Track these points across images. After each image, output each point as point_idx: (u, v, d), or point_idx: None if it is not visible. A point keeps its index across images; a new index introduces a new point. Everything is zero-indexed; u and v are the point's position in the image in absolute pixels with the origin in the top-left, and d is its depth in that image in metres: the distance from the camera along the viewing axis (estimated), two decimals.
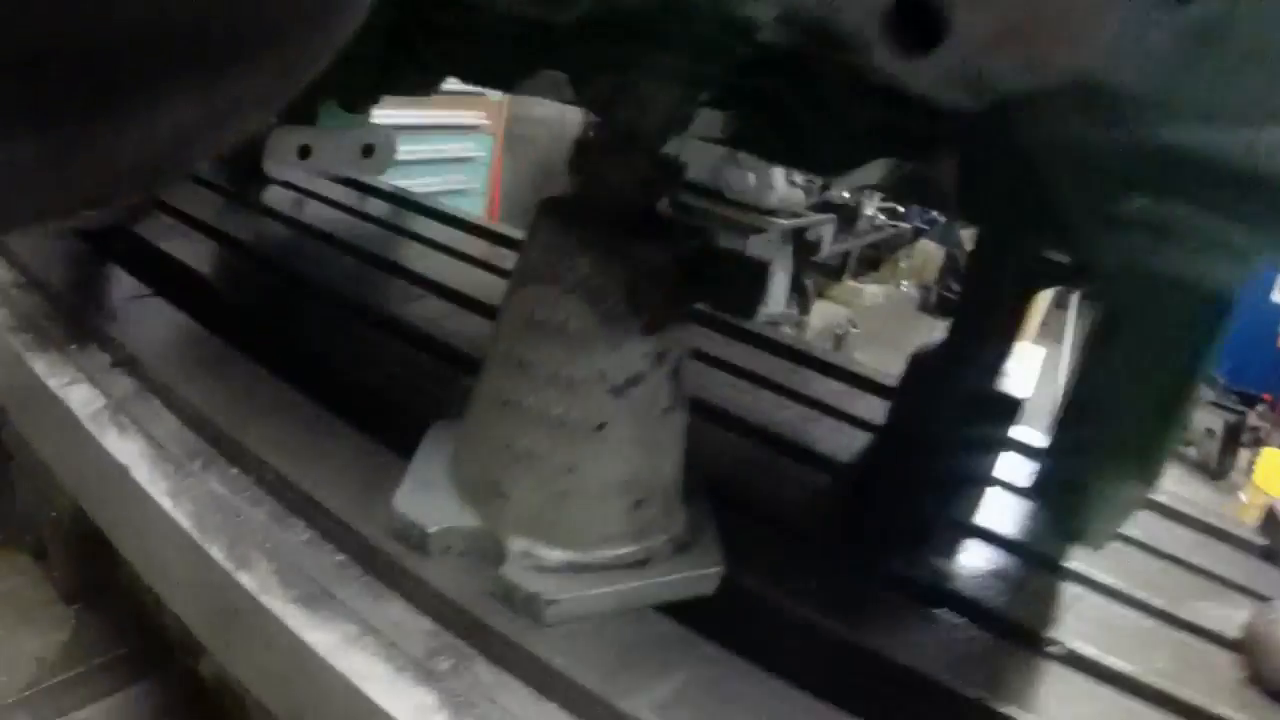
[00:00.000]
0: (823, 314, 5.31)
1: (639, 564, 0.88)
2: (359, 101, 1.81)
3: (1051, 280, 1.20)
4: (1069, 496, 0.87)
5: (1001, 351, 1.24)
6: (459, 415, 1.01)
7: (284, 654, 0.83)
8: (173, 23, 0.36)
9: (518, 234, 2.04)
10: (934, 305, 6.35)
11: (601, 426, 0.83)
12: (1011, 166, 0.90)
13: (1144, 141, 0.55)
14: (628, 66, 0.79)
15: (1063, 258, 1.10)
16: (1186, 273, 0.66)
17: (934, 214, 6.87)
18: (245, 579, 0.87)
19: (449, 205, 2.31)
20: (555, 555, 0.85)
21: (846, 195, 5.58)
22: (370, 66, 1.54)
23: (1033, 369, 1.22)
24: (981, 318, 1.23)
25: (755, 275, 0.87)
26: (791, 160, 1.17)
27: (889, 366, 1.45)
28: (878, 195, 6.02)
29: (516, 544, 0.85)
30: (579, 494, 0.85)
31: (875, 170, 1.12)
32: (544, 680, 0.78)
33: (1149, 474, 0.75)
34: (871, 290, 6.21)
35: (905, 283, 6.75)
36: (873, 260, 6.71)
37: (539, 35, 1.06)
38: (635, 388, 0.83)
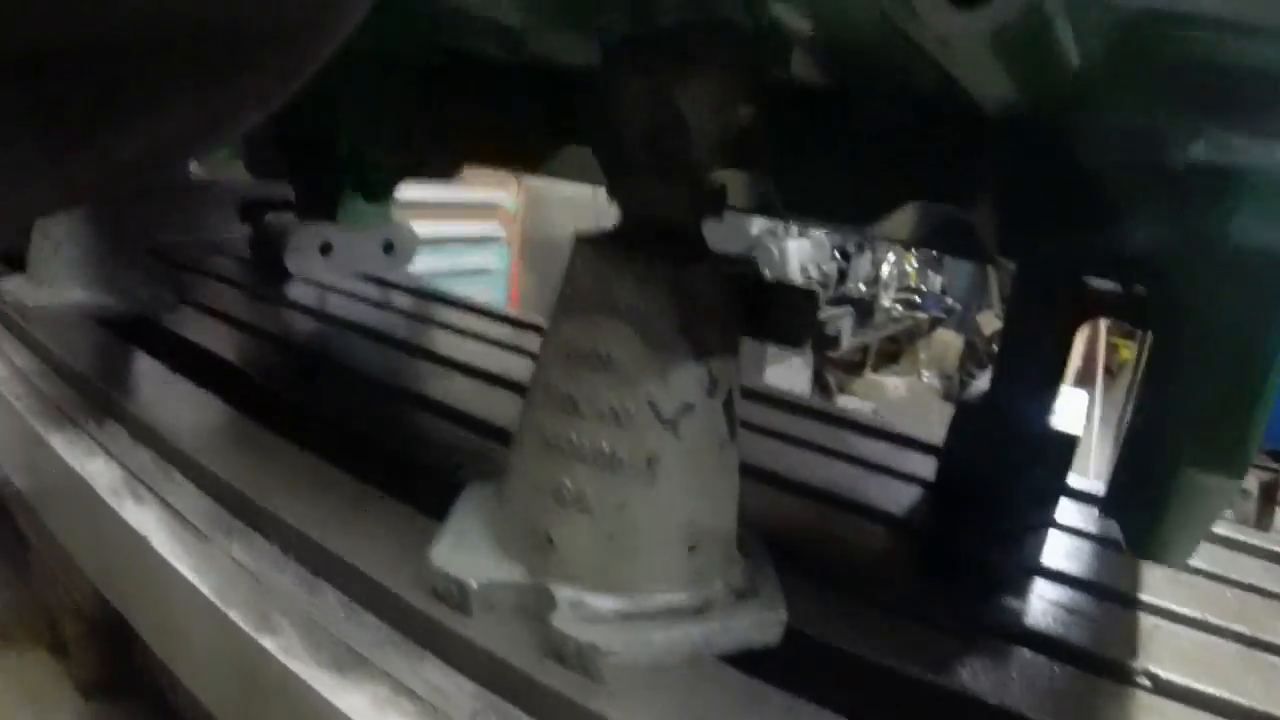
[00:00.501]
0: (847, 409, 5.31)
1: (697, 611, 0.82)
2: (380, 189, 1.80)
3: (1096, 310, 1.19)
4: (1147, 507, 0.83)
5: (1049, 391, 1.23)
6: (494, 479, 0.97)
7: None
8: (175, 24, 0.36)
9: (537, 320, 2.04)
10: (957, 394, 6.32)
11: (653, 462, 0.78)
12: (1058, 176, 0.88)
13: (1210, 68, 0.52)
14: (669, 93, 0.76)
15: (1112, 282, 1.08)
16: (1254, 238, 0.63)
17: (950, 302, 6.90)
18: (270, 643, 0.81)
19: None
20: (608, 604, 0.80)
21: (864, 288, 5.61)
22: (394, 147, 1.54)
23: (1079, 412, 1.20)
24: (1026, 357, 1.22)
25: (806, 304, 0.83)
26: (822, 213, 1.15)
27: None
28: (894, 287, 6.06)
29: (565, 593, 0.80)
30: (631, 536, 0.80)
31: (906, 219, 1.10)
32: None
33: (1237, 462, 0.71)
34: (894, 382, 6.21)
35: (926, 373, 6.73)
36: (892, 353, 6.72)
37: (569, 81, 1.03)
38: (687, 419, 0.78)
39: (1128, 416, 1.45)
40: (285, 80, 0.44)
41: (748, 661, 0.81)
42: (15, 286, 1.67)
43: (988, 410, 1.22)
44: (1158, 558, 0.90)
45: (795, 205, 1.13)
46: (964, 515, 1.19)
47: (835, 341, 4.91)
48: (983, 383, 1.30)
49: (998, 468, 1.17)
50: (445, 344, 1.76)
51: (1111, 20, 0.51)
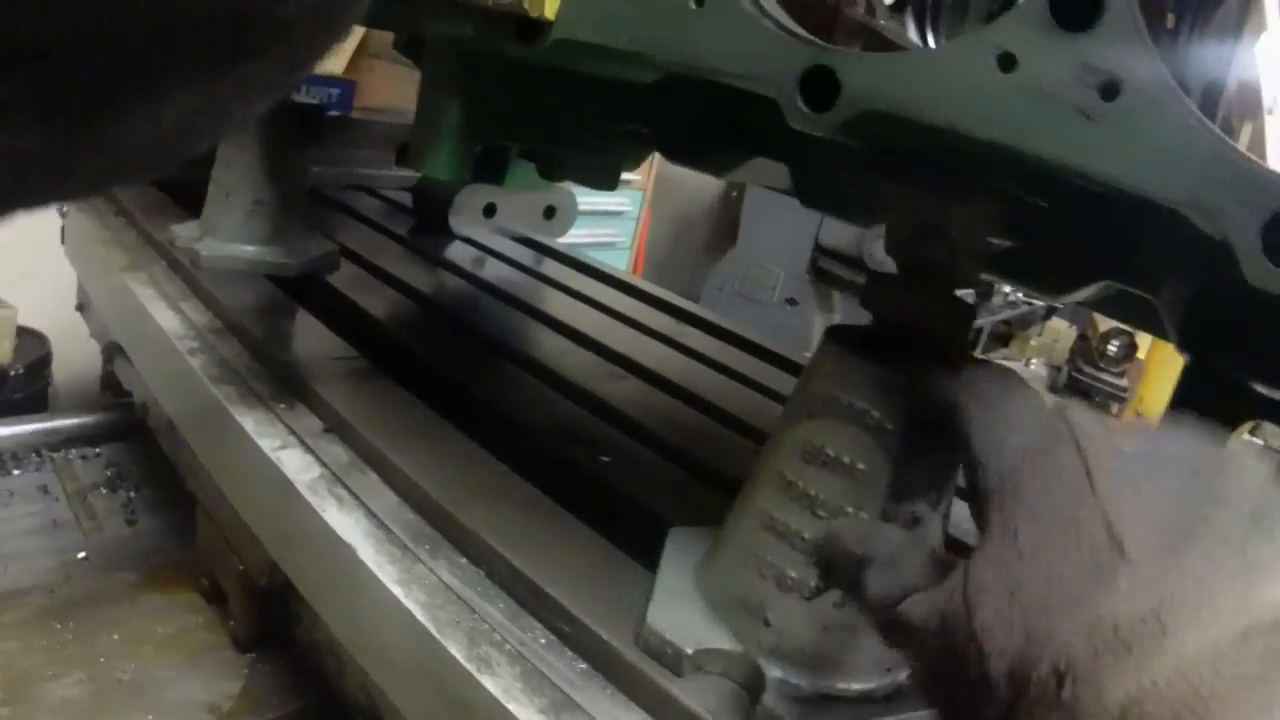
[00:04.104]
0: None
1: (887, 698, 0.86)
2: (558, 174, 1.82)
3: (1259, 414, 1.19)
4: None
5: None
6: (689, 520, 1.02)
7: None
8: (182, 15, 0.36)
9: (711, 316, 2.06)
10: (1062, 386, 6.26)
11: None
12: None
13: None
14: (942, 209, 0.78)
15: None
16: None
17: None
18: (489, 683, 0.86)
19: (598, 259, 2.33)
20: (810, 685, 0.84)
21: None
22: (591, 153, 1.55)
23: None
24: None
25: None
26: (1024, 282, 1.16)
27: None
28: None
29: (773, 671, 0.84)
30: (842, 627, 0.83)
31: (1092, 289, 1.11)
32: None
33: None
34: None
35: (1034, 361, 6.66)
36: (1003, 336, 6.64)
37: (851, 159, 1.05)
38: (913, 530, 0.82)
39: None
40: (292, 69, 0.45)
41: None
42: (187, 232, 1.72)
43: None
44: None
45: (994, 268, 1.15)
46: None
47: None
48: None
49: None
50: (617, 337, 1.79)
51: None
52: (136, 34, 0.35)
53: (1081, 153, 0.63)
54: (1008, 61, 0.65)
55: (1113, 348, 6.13)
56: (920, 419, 0.79)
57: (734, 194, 5.43)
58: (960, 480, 0.70)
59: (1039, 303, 6.40)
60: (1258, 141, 1.12)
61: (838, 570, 0.70)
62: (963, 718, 0.58)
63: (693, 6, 0.78)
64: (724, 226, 5.62)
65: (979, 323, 5.61)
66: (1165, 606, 0.49)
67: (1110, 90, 0.62)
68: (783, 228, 4.82)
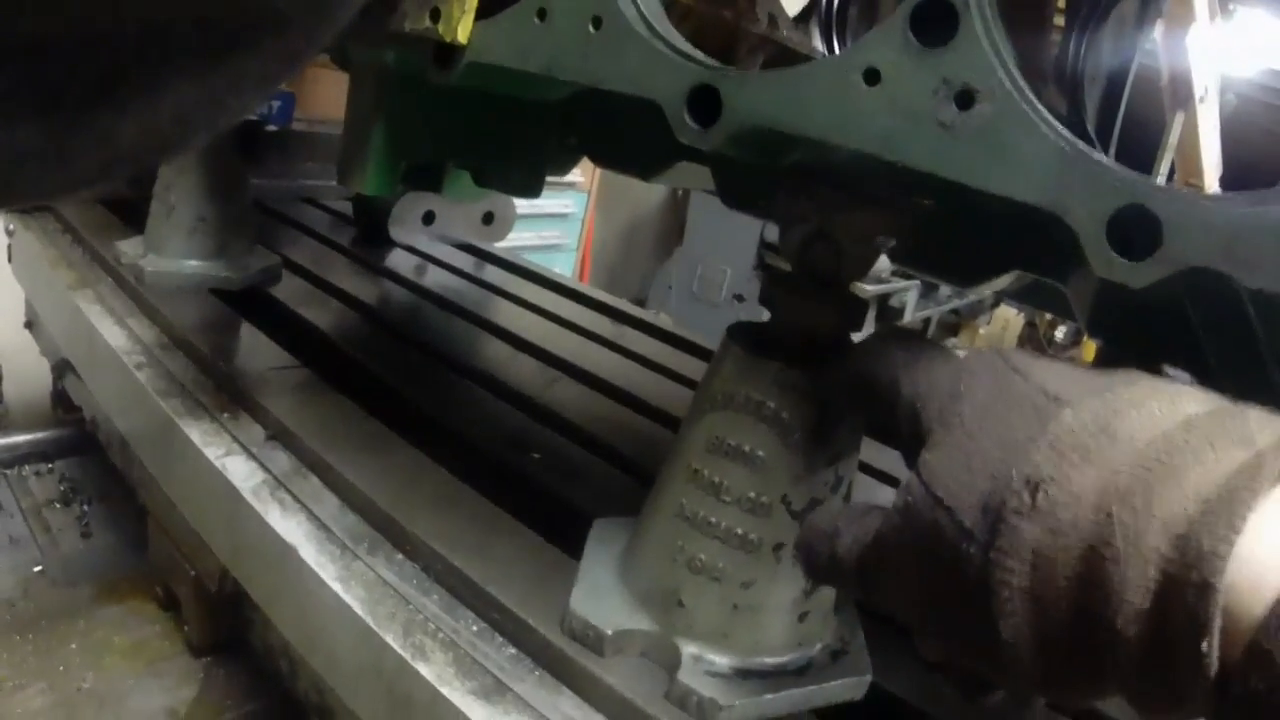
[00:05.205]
0: None
1: (800, 671, 0.92)
2: (493, 184, 1.85)
3: None
4: None
5: None
6: (617, 514, 1.07)
7: None
8: (178, 10, 0.38)
9: (647, 316, 2.12)
10: None
11: (779, 547, 0.87)
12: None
13: None
14: (827, 217, 0.83)
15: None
16: None
17: None
18: (423, 669, 0.91)
19: (544, 262, 2.37)
20: (725, 661, 0.89)
21: None
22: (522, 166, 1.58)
23: None
24: None
25: None
26: (935, 273, 1.20)
27: None
28: None
29: (689, 649, 0.89)
30: (752, 607, 0.89)
31: (1006, 279, 1.16)
32: None
33: None
34: None
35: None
36: (952, 326, 6.65)
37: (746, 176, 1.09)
38: (814, 511, 0.87)
39: None
40: (286, 63, 0.46)
41: (833, 714, 0.92)
42: (132, 249, 1.74)
43: None
44: None
45: (907, 260, 1.19)
46: None
47: (898, 313, 4.92)
48: None
49: None
50: (554, 340, 1.83)
51: None
52: (134, 29, 0.37)
53: (943, 161, 0.68)
54: (872, 76, 0.70)
55: (1060, 334, 6.19)
56: (837, 398, 0.84)
57: (680, 193, 5.42)
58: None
59: (986, 290, 6.41)
60: (1190, 130, 1.15)
61: (816, 554, 0.74)
62: (953, 620, 0.61)
63: (590, 30, 0.82)
64: (671, 226, 5.62)
65: (927, 312, 5.64)
66: (1110, 417, 0.55)
67: (965, 100, 0.67)
68: (729, 225, 4.80)
